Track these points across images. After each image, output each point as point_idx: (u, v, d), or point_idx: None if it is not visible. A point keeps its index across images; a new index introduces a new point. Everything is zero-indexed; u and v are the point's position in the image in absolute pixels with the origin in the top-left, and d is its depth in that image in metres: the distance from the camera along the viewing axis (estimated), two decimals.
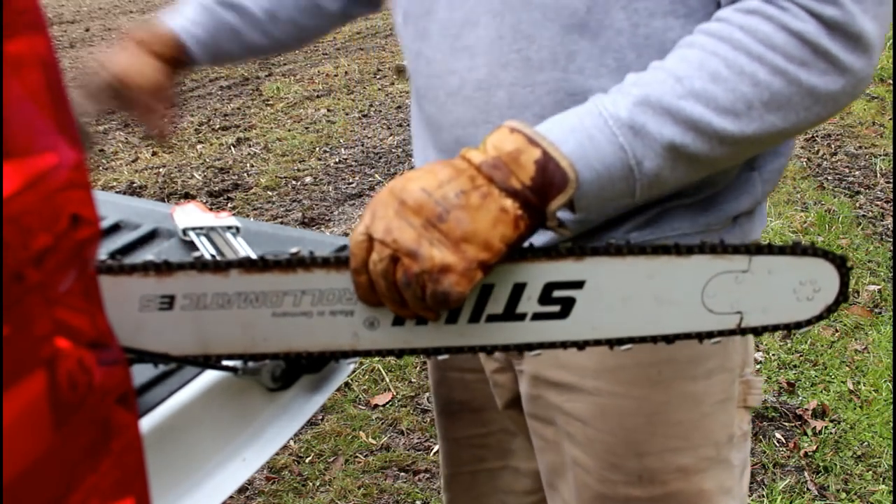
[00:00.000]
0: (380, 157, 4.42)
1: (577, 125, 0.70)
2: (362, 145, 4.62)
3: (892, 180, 3.75)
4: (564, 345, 0.74)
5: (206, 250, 1.05)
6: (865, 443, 2.18)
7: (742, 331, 0.75)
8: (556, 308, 0.72)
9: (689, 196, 0.83)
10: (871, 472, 2.08)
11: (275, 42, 1.11)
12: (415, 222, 0.67)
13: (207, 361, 0.74)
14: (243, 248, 1.05)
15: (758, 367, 2.51)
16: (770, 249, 0.72)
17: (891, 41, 5.01)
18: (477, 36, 0.80)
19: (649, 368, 0.87)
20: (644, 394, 0.88)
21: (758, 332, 0.75)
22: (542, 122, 0.71)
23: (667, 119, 0.69)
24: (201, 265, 0.70)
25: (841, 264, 0.74)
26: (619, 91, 0.71)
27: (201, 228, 1.11)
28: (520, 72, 0.79)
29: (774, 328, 0.75)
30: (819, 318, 0.76)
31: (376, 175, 4.17)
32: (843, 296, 0.75)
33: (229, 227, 1.12)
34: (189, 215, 1.15)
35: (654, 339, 0.74)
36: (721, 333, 0.75)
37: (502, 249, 0.68)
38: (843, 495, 2.02)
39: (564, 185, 0.68)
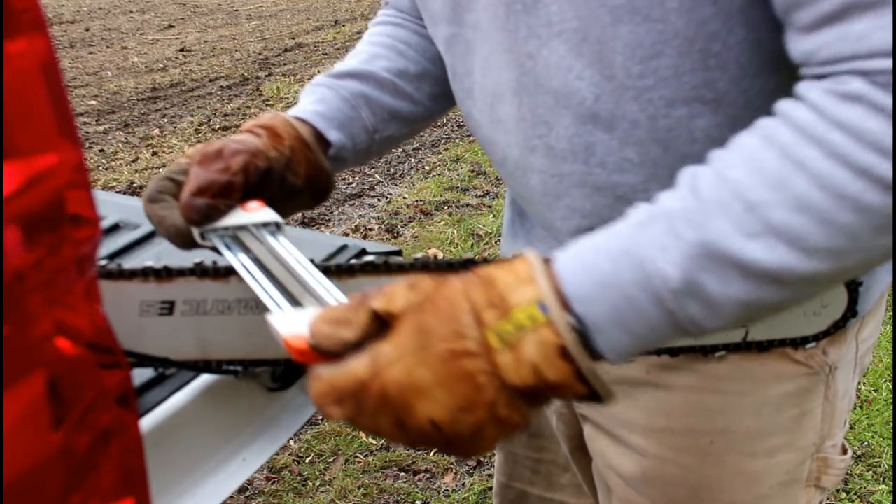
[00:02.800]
0: (380, 158, 4.42)
1: (609, 277, 0.53)
2: None
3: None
4: None
5: (238, 264, 0.69)
6: (865, 443, 2.18)
7: (748, 345, 0.74)
8: None
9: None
10: (871, 472, 2.08)
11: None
12: (415, 440, 0.55)
13: (208, 366, 0.74)
14: (293, 256, 0.69)
15: None
16: None
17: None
18: (505, 112, 0.73)
19: (701, 437, 0.77)
20: (692, 464, 0.78)
21: (763, 346, 0.74)
22: (562, 261, 0.55)
23: (734, 274, 0.51)
24: (201, 271, 0.70)
25: (850, 281, 0.73)
26: (668, 224, 0.53)
27: (225, 229, 0.73)
28: (546, 159, 0.71)
29: (780, 343, 0.75)
30: (826, 333, 0.75)
31: (376, 175, 4.17)
32: (851, 312, 0.74)
33: (265, 224, 0.74)
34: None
35: (657, 353, 0.74)
36: (726, 347, 0.74)
37: None
38: (843, 495, 2.02)
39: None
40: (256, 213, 0.74)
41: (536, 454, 1.08)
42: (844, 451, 0.84)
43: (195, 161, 0.74)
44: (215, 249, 0.73)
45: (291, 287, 0.65)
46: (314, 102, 0.84)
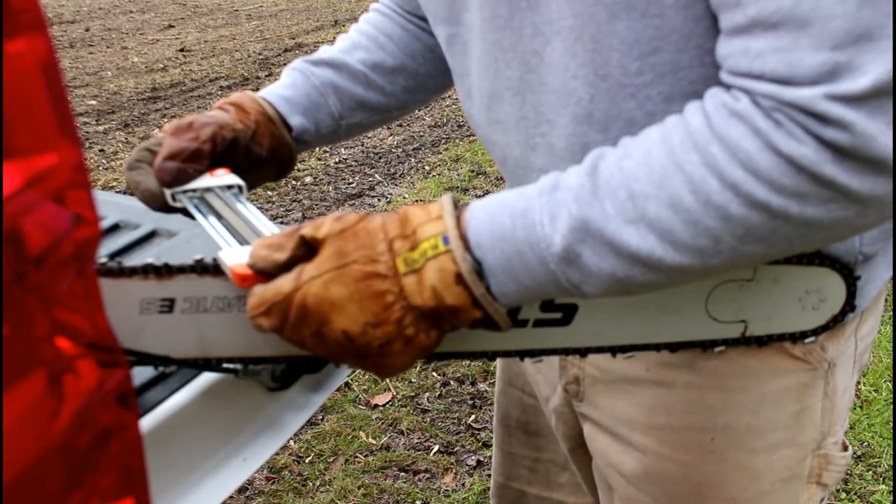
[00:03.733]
0: (380, 157, 4.42)
1: (507, 232, 0.60)
2: (362, 145, 4.62)
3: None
4: (566, 351, 0.73)
5: (204, 219, 0.80)
6: (865, 443, 2.18)
7: (746, 339, 0.74)
8: (557, 315, 0.71)
9: None
10: (871, 472, 2.08)
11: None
12: (332, 350, 0.63)
13: (208, 364, 0.74)
14: (251, 213, 0.79)
15: None
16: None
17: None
18: (505, 112, 0.75)
19: (702, 434, 0.78)
20: (693, 461, 0.79)
21: (762, 340, 0.74)
22: (472, 210, 0.62)
23: (608, 251, 0.58)
24: (201, 268, 0.70)
25: (848, 274, 0.73)
26: (562, 196, 0.59)
27: (194, 191, 0.83)
28: (547, 158, 0.72)
29: (779, 337, 0.75)
30: (825, 327, 0.75)
31: (376, 175, 4.17)
32: (849, 306, 0.74)
33: (229, 187, 0.84)
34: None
35: (657, 347, 0.74)
36: (725, 342, 0.74)
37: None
38: (843, 495, 2.02)
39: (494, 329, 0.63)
40: (222, 178, 0.84)
41: (535, 453, 1.08)
42: (845, 449, 0.84)
43: (169, 133, 0.84)
44: (185, 212, 0.83)
45: (247, 236, 0.74)
46: (284, 87, 0.92)
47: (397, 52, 0.95)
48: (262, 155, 0.87)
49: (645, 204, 0.57)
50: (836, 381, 0.80)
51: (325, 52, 0.96)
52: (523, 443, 1.08)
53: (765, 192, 0.54)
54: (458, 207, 0.63)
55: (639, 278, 0.59)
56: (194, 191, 0.82)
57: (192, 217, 0.82)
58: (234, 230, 0.76)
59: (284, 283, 0.62)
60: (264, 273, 0.63)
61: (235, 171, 0.85)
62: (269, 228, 0.75)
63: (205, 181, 0.83)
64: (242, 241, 0.73)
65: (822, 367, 0.79)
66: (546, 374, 0.94)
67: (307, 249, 0.63)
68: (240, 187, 0.82)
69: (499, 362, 1.11)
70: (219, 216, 0.79)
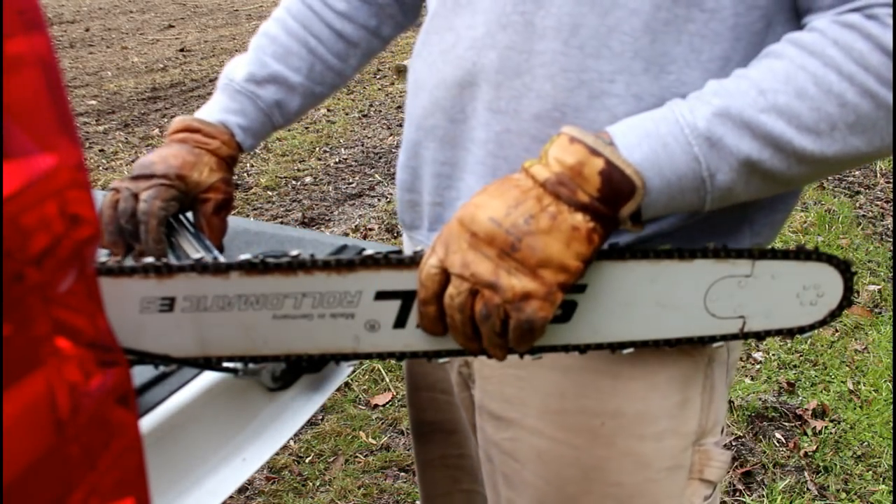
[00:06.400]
0: (380, 157, 4.42)
1: (651, 130, 0.67)
2: (362, 145, 4.62)
3: (892, 180, 3.75)
4: (566, 348, 0.73)
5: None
6: (865, 443, 2.18)
7: (745, 335, 0.74)
8: (557, 312, 0.72)
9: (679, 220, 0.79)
10: (871, 472, 2.08)
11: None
12: (489, 253, 0.66)
13: (208, 363, 0.74)
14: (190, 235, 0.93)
15: (757, 367, 2.51)
16: (773, 254, 0.72)
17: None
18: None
19: (593, 418, 0.81)
20: (583, 444, 0.81)
21: (761, 336, 0.75)
22: (615, 123, 0.69)
23: (745, 133, 0.66)
24: (201, 267, 0.70)
25: (845, 269, 0.73)
26: (698, 98, 0.68)
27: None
28: (519, 36, 0.75)
29: (778, 333, 0.75)
30: (822, 322, 0.75)
31: (376, 175, 4.17)
32: (847, 301, 0.75)
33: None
34: None
35: (656, 343, 0.74)
36: (724, 338, 0.74)
37: (580, 267, 0.66)
38: (843, 495, 2.02)
39: (632, 192, 0.66)
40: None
41: (457, 450, 1.10)
42: (728, 448, 0.89)
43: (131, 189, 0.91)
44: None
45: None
46: (237, 114, 1.00)
47: (327, 55, 1.04)
48: (207, 200, 0.95)
49: (775, 96, 0.66)
50: (714, 378, 0.84)
51: (263, 63, 1.01)
52: (441, 442, 1.10)
53: (874, 83, 0.65)
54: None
55: (767, 163, 0.67)
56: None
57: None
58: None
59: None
60: None
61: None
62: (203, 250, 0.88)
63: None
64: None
65: (703, 361, 0.83)
66: (451, 362, 0.97)
67: None
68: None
69: (406, 375, 1.12)
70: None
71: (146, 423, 0.80)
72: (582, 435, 0.81)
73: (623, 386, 0.80)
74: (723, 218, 0.78)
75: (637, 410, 0.80)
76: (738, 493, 2.04)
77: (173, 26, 7.98)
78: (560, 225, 0.65)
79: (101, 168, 4.32)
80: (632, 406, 0.80)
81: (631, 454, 0.81)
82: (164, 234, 0.90)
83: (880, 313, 2.74)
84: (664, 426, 0.81)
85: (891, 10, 0.65)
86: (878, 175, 3.84)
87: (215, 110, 1.00)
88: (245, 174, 4.24)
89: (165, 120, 5.00)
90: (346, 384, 2.51)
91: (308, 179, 4.15)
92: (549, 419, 0.82)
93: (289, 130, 4.87)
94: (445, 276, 0.68)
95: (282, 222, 3.64)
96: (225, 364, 0.78)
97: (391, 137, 4.72)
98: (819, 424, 2.25)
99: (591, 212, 0.66)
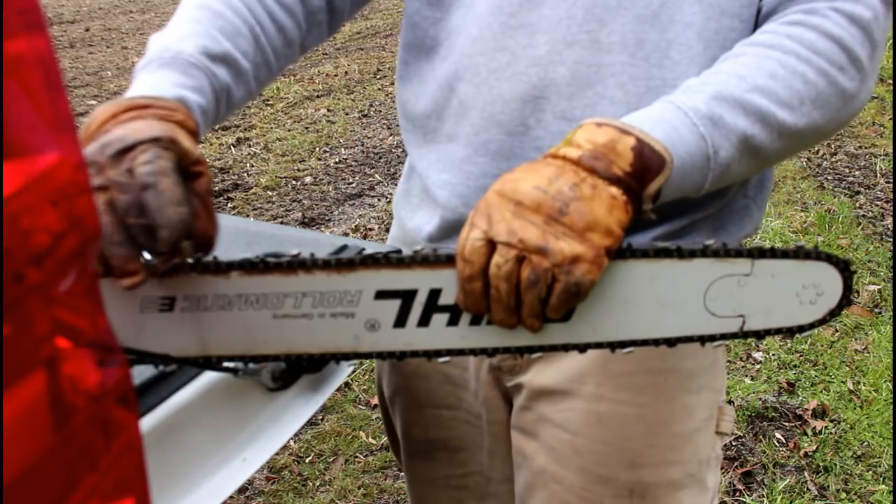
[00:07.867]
0: (380, 157, 4.42)
1: (658, 118, 0.73)
2: (362, 145, 4.62)
3: (892, 180, 3.75)
4: (566, 347, 0.73)
5: None
6: (865, 443, 2.18)
7: (745, 334, 0.74)
8: None
9: (710, 207, 0.87)
10: (871, 472, 2.08)
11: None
12: (536, 220, 0.67)
13: (208, 362, 0.74)
14: None
15: (757, 367, 2.51)
16: (773, 253, 0.72)
17: (890, 41, 5.01)
18: (540, 14, 0.83)
19: (657, 376, 0.88)
20: (648, 402, 0.88)
21: (760, 335, 0.75)
22: (624, 117, 0.74)
23: (739, 111, 0.74)
24: (202, 267, 0.70)
25: (844, 268, 0.73)
26: (687, 90, 0.76)
27: None
28: (587, 52, 0.82)
29: (777, 332, 0.75)
30: (822, 321, 0.75)
31: (376, 175, 4.17)
32: (846, 300, 0.75)
33: None
34: None
35: (655, 342, 0.74)
36: (723, 337, 0.74)
37: (621, 234, 0.69)
38: (843, 495, 2.02)
39: (661, 167, 0.70)
40: None
41: (461, 469, 1.07)
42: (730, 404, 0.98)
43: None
44: None
45: None
46: (195, 92, 0.79)
47: (267, 46, 0.90)
48: (200, 174, 0.78)
49: (754, 80, 0.75)
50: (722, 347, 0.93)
51: (214, 38, 0.83)
52: (445, 462, 1.07)
53: (825, 64, 0.76)
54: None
55: (757, 137, 0.75)
56: None
57: None
58: None
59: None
60: None
61: None
62: None
63: None
64: None
65: None
66: (480, 363, 0.98)
67: None
68: None
69: (402, 394, 1.08)
70: None
71: (146, 423, 0.80)
72: (647, 392, 0.88)
73: (679, 346, 0.83)
74: (733, 205, 0.89)
75: (688, 367, 0.89)
76: (738, 493, 2.04)
77: None
78: (601, 193, 0.68)
79: None
80: (683, 364, 0.89)
81: (687, 406, 0.90)
82: (184, 195, 0.67)
83: (880, 313, 2.74)
84: (703, 382, 0.91)
85: (829, 3, 0.77)
86: (878, 175, 3.84)
87: (167, 85, 0.77)
88: (245, 174, 4.24)
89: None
90: (346, 384, 2.51)
91: (308, 179, 4.15)
92: (613, 382, 0.88)
93: (289, 130, 4.87)
94: (490, 247, 0.68)
95: (282, 222, 3.64)
96: (225, 364, 0.78)
97: (391, 137, 4.72)
98: (819, 424, 2.25)
99: (624, 186, 0.69)
